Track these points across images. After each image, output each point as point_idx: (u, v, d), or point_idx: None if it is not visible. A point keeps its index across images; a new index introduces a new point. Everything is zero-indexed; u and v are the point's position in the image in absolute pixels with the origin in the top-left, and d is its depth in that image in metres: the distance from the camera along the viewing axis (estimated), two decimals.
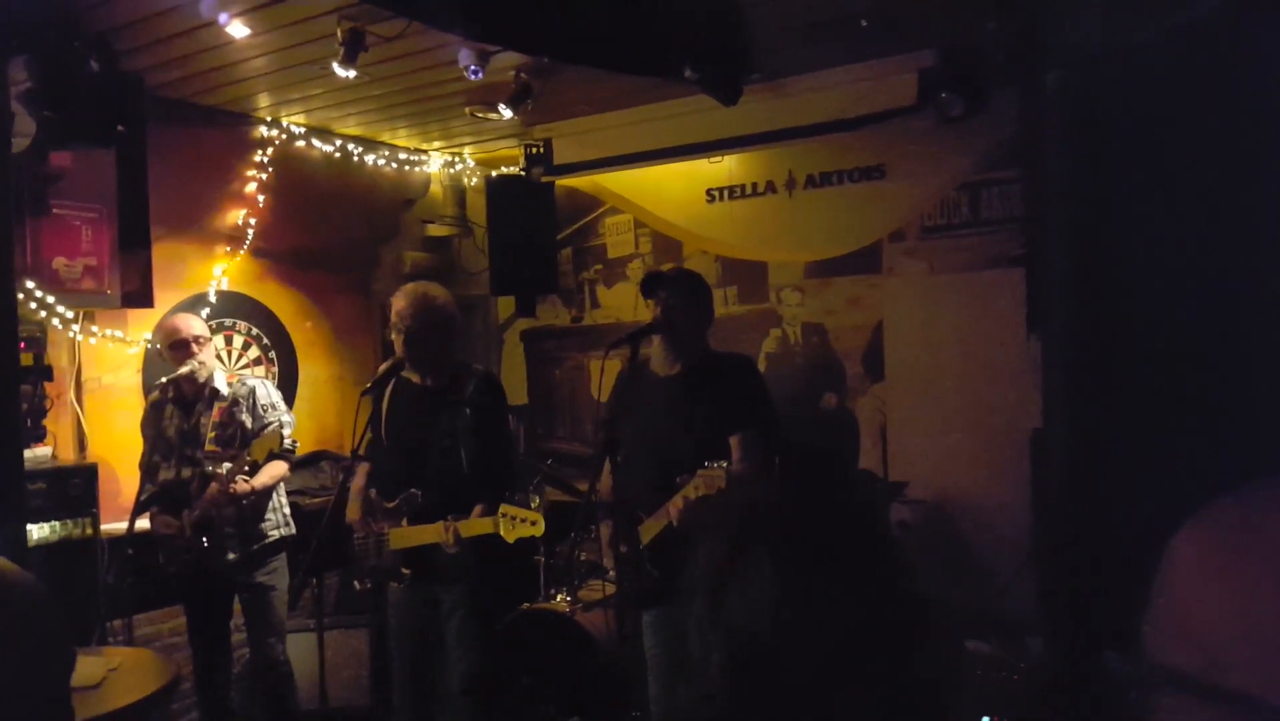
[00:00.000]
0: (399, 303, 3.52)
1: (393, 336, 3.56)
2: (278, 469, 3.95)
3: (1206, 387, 1.68)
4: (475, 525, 3.32)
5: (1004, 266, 4.35)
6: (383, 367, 3.56)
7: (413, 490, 3.46)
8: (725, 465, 2.79)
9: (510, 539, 3.26)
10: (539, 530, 3.24)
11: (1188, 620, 0.74)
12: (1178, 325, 1.72)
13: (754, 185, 5.17)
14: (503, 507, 3.28)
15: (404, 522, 3.48)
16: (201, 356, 3.88)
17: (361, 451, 3.31)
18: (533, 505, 4.00)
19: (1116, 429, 1.84)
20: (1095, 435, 1.91)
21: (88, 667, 2.75)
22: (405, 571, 3.51)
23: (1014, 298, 4.11)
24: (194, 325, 3.94)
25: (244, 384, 4.02)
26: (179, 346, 3.86)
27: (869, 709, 0.95)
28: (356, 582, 3.62)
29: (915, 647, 0.97)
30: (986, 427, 4.40)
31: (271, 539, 3.99)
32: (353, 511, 3.63)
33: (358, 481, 3.71)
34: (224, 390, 3.95)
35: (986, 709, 2.99)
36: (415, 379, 3.62)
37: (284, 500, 4.11)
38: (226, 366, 4.80)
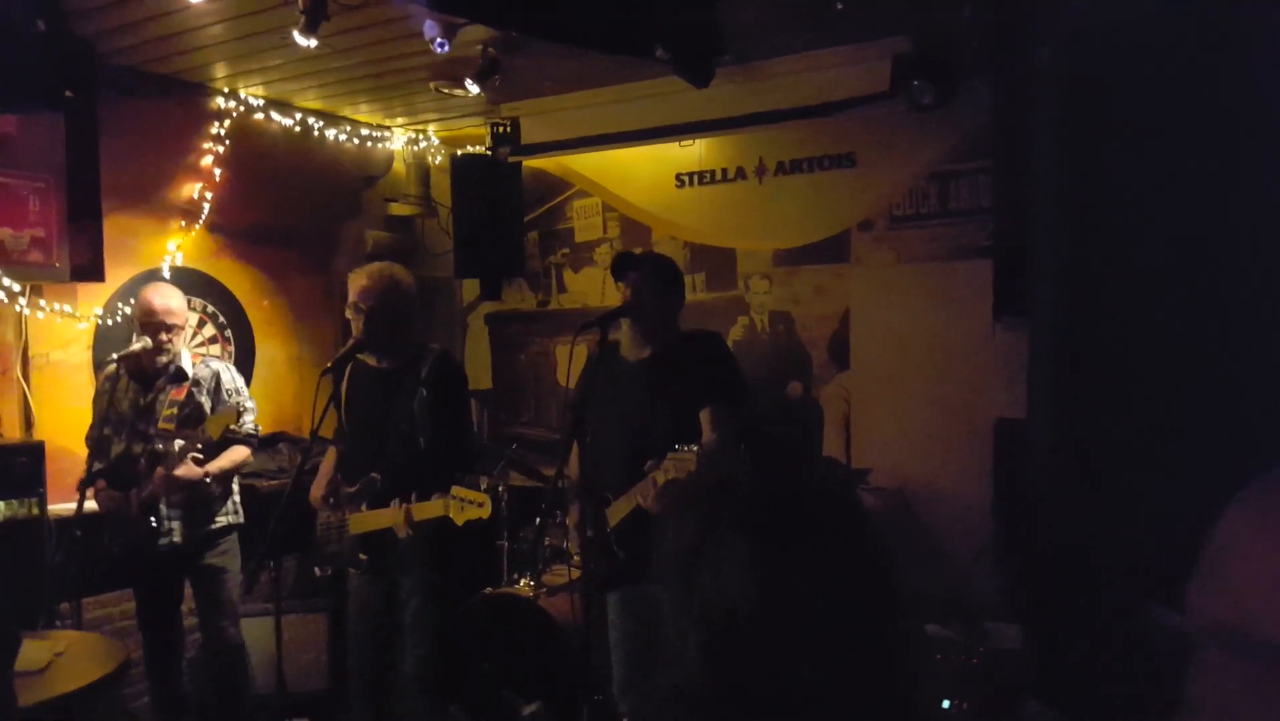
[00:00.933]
0: (359, 281, 3.45)
1: (350, 315, 3.49)
2: (239, 454, 3.86)
3: (1194, 377, 1.67)
4: (426, 508, 3.26)
5: (971, 257, 4.36)
6: (344, 349, 3.49)
7: (372, 475, 3.39)
8: (695, 448, 2.77)
9: (459, 521, 3.20)
10: (485, 512, 3.17)
11: (1228, 580, 0.75)
12: (1167, 313, 1.71)
13: (724, 171, 5.13)
14: (454, 489, 3.22)
15: (363, 508, 3.41)
16: (169, 343, 3.77)
17: (321, 432, 3.23)
18: (482, 487, 3.94)
19: (1100, 418, 1.83)
20: (1079, 425, 1.89)
21: (33, 651, 2.66)
22: (362, 557, 3.45)
23: (980, 288, 4.11)
24: (174, 312, 3.80)
25: (207, 366, 3.92)
26: (150, 328, 3.74)
27: (840, 692, 0.94)
28: (316, 569, 3.55)
29: (885, 631, 0.96)
30: (950, 416, 4.43)
31: (219, 525, 3.89)
32: (316, 489, 3.56)
33: (327, 463, 3.65)
34: (189, 371, 3.85)
35: (947, 692, 3.01)
36: (372, 361, 3.56)
37: (236, 488, 4.01)
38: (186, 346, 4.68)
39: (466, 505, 3.18)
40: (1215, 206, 1.67)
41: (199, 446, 3.62)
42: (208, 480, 3.74)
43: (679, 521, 1.18)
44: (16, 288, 3.93)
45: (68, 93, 3.38)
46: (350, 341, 3.47)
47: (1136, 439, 1.71)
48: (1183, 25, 1.66)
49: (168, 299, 3.81)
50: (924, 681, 1.17)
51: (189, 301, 4.75)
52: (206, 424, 3.61)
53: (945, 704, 3.03)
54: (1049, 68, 1.87)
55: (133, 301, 4.17)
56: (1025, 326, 3.05)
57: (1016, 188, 3.02)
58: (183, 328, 3.85)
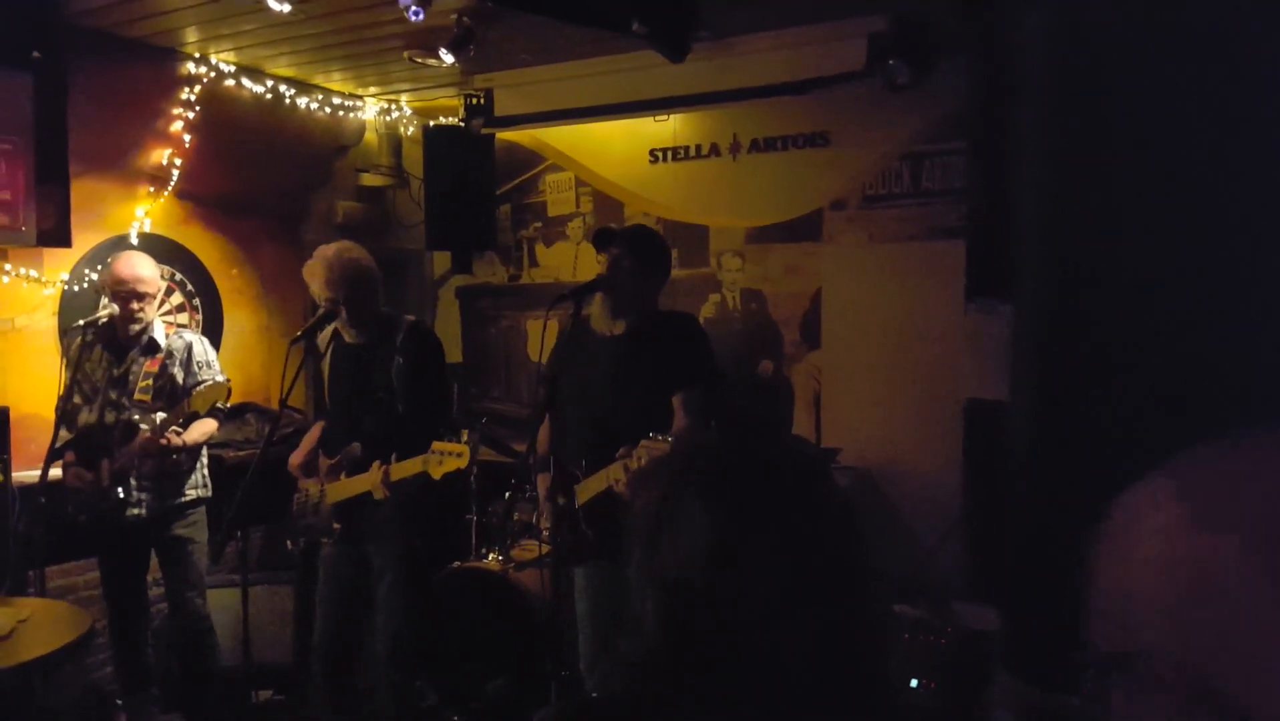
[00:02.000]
0: (321, 273, 3.42)
1: (315, 293, 3.49)
2: (208, 426, 3.84)
3: (1180, 364, 1.68)
4: (405, 467, 3.26)
5: (943, 238, 4.39)
6: (312, 319, 3.48)
7: (353, 444, 3.39)
8: (668, 438, 2.77)
9: (437, 475, 3.19)
10: (464, 461, 3.15)
11: (1123, 605, 0.68)
12: (1156, 298, 1.71)
13: (698, 147, 5.12)
14: (434, 444, 3.21)
15: (342, 477, 3.41)
16: (142, 312, 3.73)
17: (291, 403, 3.22)
18: (462, 439, 3.94)
19: (1083, 403, 1.84)
20: (1061, 408, 1.91)
21: None
22: (336, 526, 3.44)
23: (952, 269, 4.16)
24: (145, 280, 3.76)
25: (180, 337, 3.89)
26: (121, 296, 3.69)
27: (800, 662, 0.93)
28: (289, 542, 3.54)
29: (849, 600, 0.95)
30: (920, 397, 4.47)
31: (188, 498, 3.87)
32: (295, 456, 3.55)
33: (312, 435, 3.65)
34: (162, 341, 3.81)
35: (915, 671, 3.05)
36: (349, 336, 3.56)
37: (205, 460, 3.98)
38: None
39: (445, 457, 3.16)
40: (1209, 188, 1.67)
41: (180, 420, 3.60)
42: (180, 454, 3.71)
43: (644, 491, 1.17)
44: None
45: (35, 54, 3.30)
46: (319, 312, 3.46)
47: (1120, 424, 1.72)
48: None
49: (138, 267, 3.76)
50: (891, 656, 1.16)
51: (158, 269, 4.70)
52: (192, 398, 3.58)
53: (913, 683, 3.07)
54: (1037, 40, 1.86)
55: (100, 269, 4.11)
56: (998, 308, 3.08)
57: (991, 169, 3.04)
58: (154, 296, 3.81)
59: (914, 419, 4.49)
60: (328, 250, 3.49)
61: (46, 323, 4.31)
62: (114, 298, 3.71)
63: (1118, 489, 0.76)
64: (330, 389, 3.62)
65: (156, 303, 3.86)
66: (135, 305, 3.71)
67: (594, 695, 1.13)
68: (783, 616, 1.00)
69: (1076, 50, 1.81)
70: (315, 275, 3.45)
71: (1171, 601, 0.65)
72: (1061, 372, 1.92)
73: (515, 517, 4.33)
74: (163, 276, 4.69)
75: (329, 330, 3.60)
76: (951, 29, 3.79)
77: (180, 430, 3.66)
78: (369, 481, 3.30)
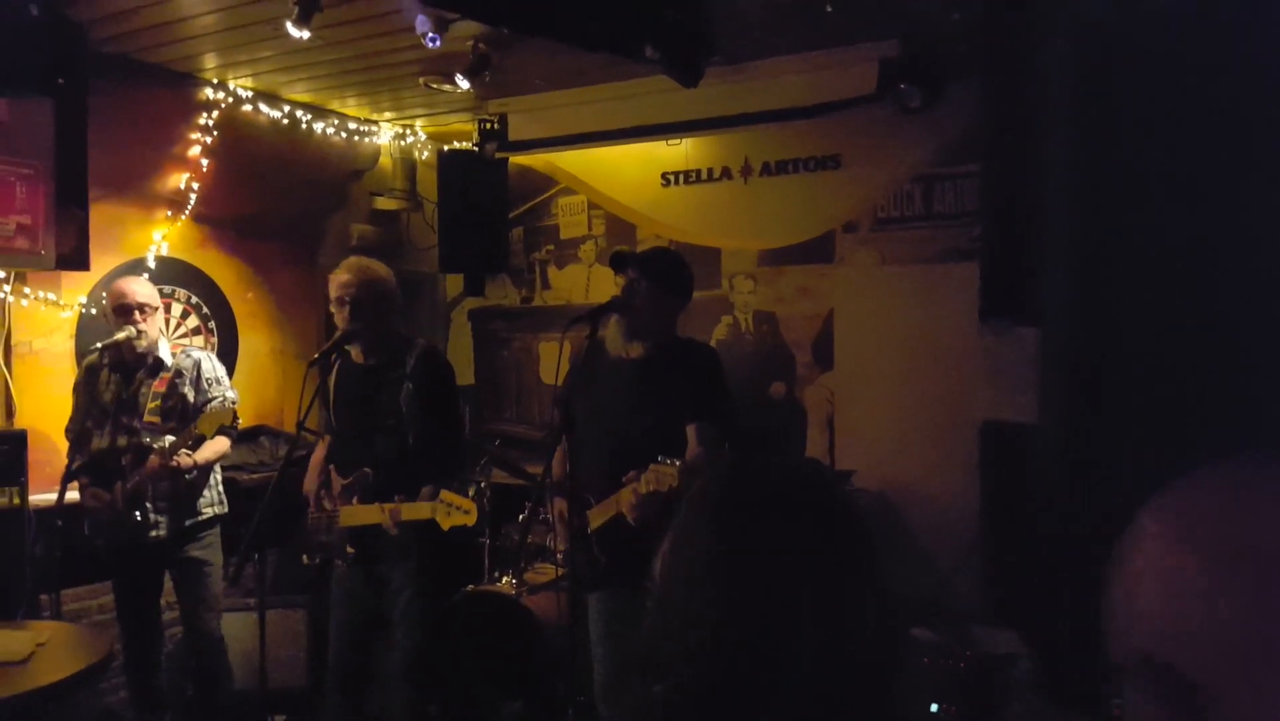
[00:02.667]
0: (339, 277, 3.45)
1: (334, 309, 3.48)
2: (220, 445, 3.84)
3: (1210, 382, 1.67)
4: (415, 509, 3.28)
5: (956, 259, 4.40)
6: (329, 342, 3.49)
7: (365, 469, 3.40)
8: (678, 462, 2.76)
9: (445, 526, 3.22)
10: (471, 519, 3.20)
11: (1142, 602, 0.72)
12: (1184, 318, 1.70)
13: (709, 170, 5.15)
14: (442, 494, 3.24)
15: (354, 501, 3.41)
16: (144, 325, 3.74)
17: (307, 424, 3.22)
18: (469, 493, 3.96)
19: (1114, 424, 1.83)
20: (1092, 430, 1.90)
21: (13, 642, 2.64)
22: (350, 550, 3.44)
23: (965, 290, 4.14)
24: (141, 292, 3.78)
25: (188, 355, 3.90)
26: (121, 311, 3.72)
27: (822, 690, 0.91)
28: (305, 557, 3.54)
29: (864, 618, 0.93)
30: (935, 418, 4.45)
31: (205, 516, 3.87)
32: (309, 482, 3.56)
33: (318, 454, 3.64)
34: (168, 360, 3.82)
35: (935, 695, 3.02)
36: (358, 356, 3.55)
37: (219, 477, 3.99)
38: (164, 335, 4.64)
39: (453, 510, 3.20)
40: (1235, 207, 1.67)
41: (189, 443, 3.61)
42: (191, 473, 3.72)
43: (661, 530, 1.14)
44: (1, 274, 3.89)
45: (60, 80, 3.34)
46: (336, 334, 3.46)
47: (1151, 445, 1.71)
48: (1197, 18, 1.66)
49: (135, 284, 3.82)
50: (909, 679, 1.14)
51: (174, 291, 4.74)
52: (199, 421, 3.59)
53: (934, 707, 3.04)
54: (1061, 64, 1.87)
55: (82, 302, 4.15)
56: (1014, 330, 3.07)
57: (1006, 190, 3.05)
58: (156, 309, 3.82)
59: (928, 441, 4.47)
60: (353, 260, 3.52)
61: (64, 346, 4.34)
62: (116, 315, 3.73)
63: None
64: (336, 407, 3.59)
65: (158, 319, 3.87)
66: (138, 317, 3.71)
67: None
68: (793, 631, 0.98)
69: (1103, 73, 1.81)
70: (335, 277, 3.47)
71: (1162, 613, 0.71)
72: (1092, 395, 1.91)
73: (529, 540, 4.33)
74: (179, 299, 4.75)
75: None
76: (963, 52, 3.81)
77: (190, 452, 3.67)
78: (379, 516, 3.31)
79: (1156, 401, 1.75)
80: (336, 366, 3.59)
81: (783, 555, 1.02)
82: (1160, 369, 1.75)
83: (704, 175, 5.17)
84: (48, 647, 2.75)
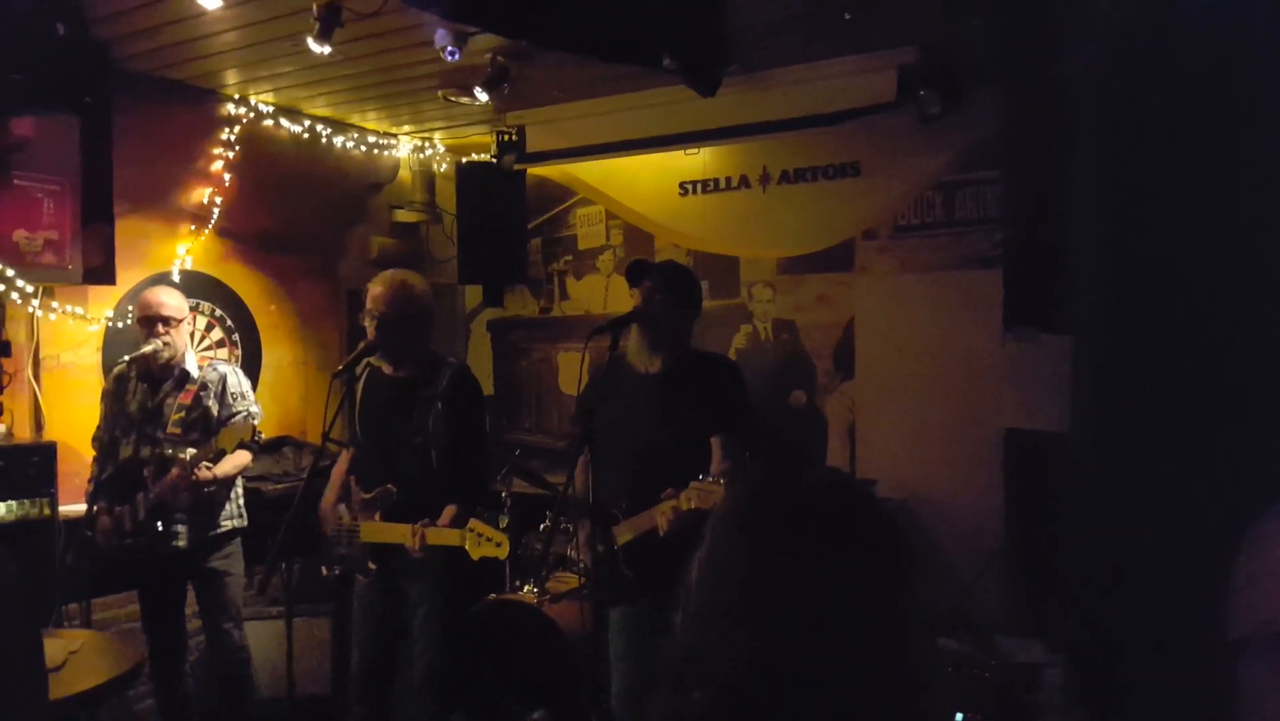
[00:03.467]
0: (375, 289, 3.44)
1: (366, 322, 3.48)
2: (241, 459, 3.85)
3: (1245, 392, 1.65)
4: (442, 535, 3.26)
5: (977, 267, 4.39)
6: (354, 353, 3.50)
7: (388, 485, 3.40)
8: (721, 481, 2.77)
9: (475, 556, 3.21)
10: (503, 553, 3.18)
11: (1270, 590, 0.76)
12: (1217, 326, 1.69)
13: (727, 179, 5.16)
14: (471, 522, 3.23)
15: (377, 517, 3.42)
16: (168, 337, 3.77)
17: (333, 435, 3.24)
18: (500, 525, 3.96)
19: (1147, 433, 1.81)
20: (1125, 439, 1.88)
21: (48, 649, 2.66)
22: (372, 566, 3.45)
23: (987, 298, 4.14)
24: (168, 305, 3.81)
25: (214, 369, 3.92)
26: (146, 322, 3.76)
27: (853, 704, 0.90)
28: (324, 568, 3.56)
29: (898, 635, 0.93)
30: (957, 427, 4.44)
31: (224, 529, 3.90)
32: (327, 498, 3.56)
33: (339, 467, 3.64)
34: (195, 373, 3.86)
35: (960, 706, 3.01)
36: (387, 369, 3.55)
37: (240, 491, 4.02)
38: (191, 347, 4.69)
39: (483, 541, 3.18)
40: (1272, 216, 1.66)
41: (210, 456, 3.64)
42: (211, 487, 3.75)
43: (688, 545, 1.14)
44: (30, 289, 3.94)
45: (87, 99, 3.39)
46: (361, 345, 3.47)
47: (1187, 453, 1.70)
48: (1230, 26, 1.65)
49: (163, 295, 3.84)
50: (934, 690, 1.12)
51: (198, 304, 4.79)
52: (219, 436, 3.61)
53: (959, 717, 3.03)
54: (1090, 71, 1.86)
55: (109, 315, 4.19)
56: (1037, 337, 3.06)
57: (1029, 197, 3.04)
58: (181, 321, 3.85)
59: (951, 449, 4.45)
60: (389, 274, 3.50)
61: (91, 359, 4.39)
62: (142, 325, 3.77)
63: (1187, 518, 0.83)
64: (362, 420, 3.58)
65: (185, 331, 3.89)
66: (162, 329, 3.74)
67: None
68: (842, 662, 0.98)
69: (1133, 80, 1.81)
70: (374, 286, 3.46)
71: None
72: (1125, 405, 1.90)
73: (551, 550, 4.34)
74: (203, 312, 4.79)
75: (365, 360, 3.57)
76: (983, 58, 3.81)
77: (210, 465, 3.70)
78: (404, 536, 3.30)
79: (1190, 411, 1.74)
80: (365, 377, 3.58)
81: (819, 568, 1.02)
82: (1194, 378, 1.74)
83: (722, 184, 5.18)
84: (80, 655, 2.79)
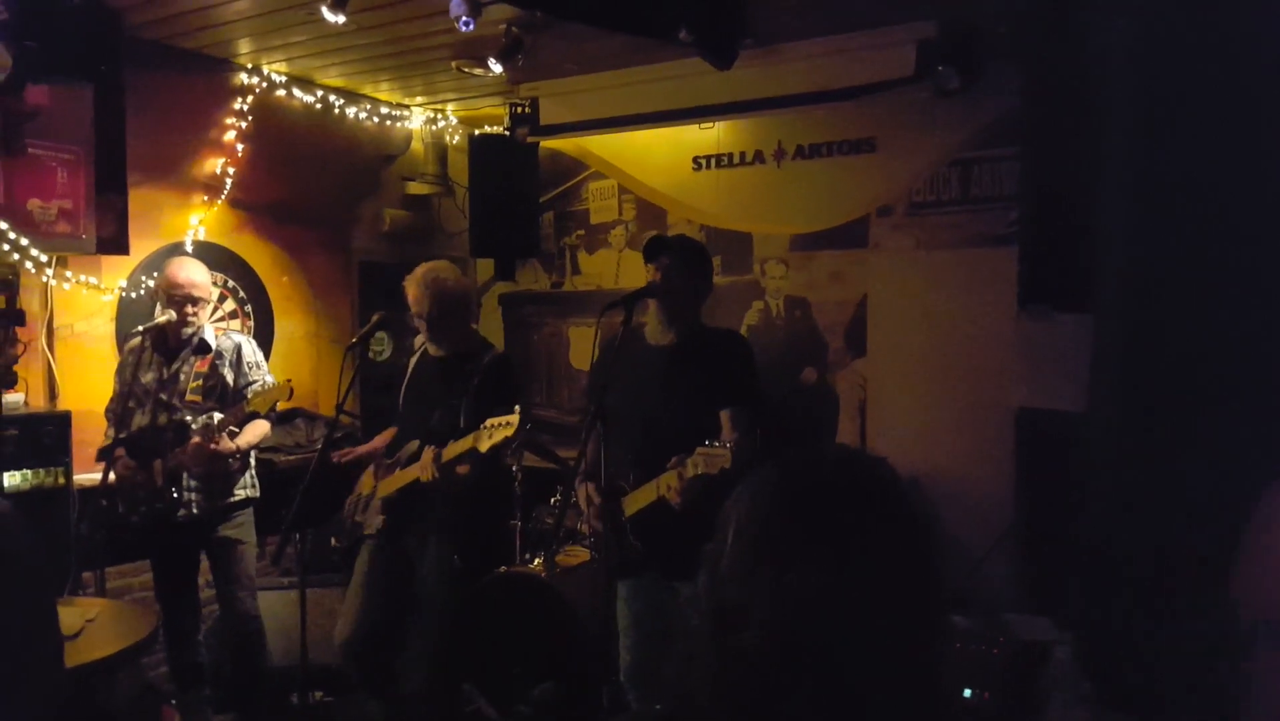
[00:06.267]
0: (411, 290, 3.59)
1: (416, 324, 3.65)
2: (261, 429, 3.90)
3: (1266, 372, 1.64)
4: (456, 446, 3.31)
5: (993, 244, 4.36)
6: (366, 327, 3.56)
7: (411, 442, 3.46)
8: (728, 444, 2.77)
9: (485, 447, 3.22)
10: (511, 430, 3.18)
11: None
12: (1240, 306, 1.68)
13: (742, 154, 5.13)
14: (487, 421, 3.23)
15: (396, 472, 3.47)
16: (196, 316, 3.81)
17: (347, 407, 3.27)
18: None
19: (1167, 412, 1.80)
20: (1148, 418, 1.87)
21: (64, 617, 2.68)
22: (381, 519, 3.48)
23: (1002, 276, 4.11)
24: (199, 286, 3.85)
25: (229, 339, 3.96)
26: (176, 301, 3.78)
27: (873, 683, 0.93)
28: (334, 538, 3.59)
29: (921, 623, 0.94)
30: (969, 405, 4.43)
31: (238, 497, 3.93)
32: (366, 480, 3.69)
33: (384, 437, 3.77)
34: (213, 343, 3.88)
35: (968, 682, 3.03)
36: (434, 350, 3.70)
37: (252, 461, 4.04)
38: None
39: (495, 430, 3.18)
40: None
41: (237, 420, 3.67)
42: (235, 457, 3.78)
43: (699, 518, 1.16)
44: (44, 258, 3.95)
45: (102, 67, 3.38)
46: (374, 318, 3.53)
47: (1208, 433, 1.69)
48: (1263, 8, 1.63)
49: (192, 273, 3.85)
50: (945, 670, 1.15)
51: (211, 276, 4.79)
52: (252, 398, 3.65)
53: (966, 693, 3.04)
54: (1118, 49, 1.83)
55: (156, 275, 4.19)
56: (1052, 315, 3.04)
57: (1047, 175, 3.01)
58: (208, 301, 3.89)
59: (962, 427, 4.45)
60: (421, 272, 3.62)
61: (105, 328, 4.40)
62: (169, 302, 3.78)
63: (1209, 497, 0.82)
64: (406, 395, 3.74)
65: (209, 309, 3.93)
66: (190, 309, 3.78)
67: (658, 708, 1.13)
68: (862, 640, 0.99)
69: (1162, 59, 1.78)
70: (409, 289, 3.61)
71: None
72: (1145, 385, 1.89)
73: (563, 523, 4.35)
74: (216, 283, 4.80)
75: (418, 342, 3.78)
76: (1002, 34, 3.76)
77: (236, 430, 3.72)
78: (420, 468, 3.34)
79: (1213, 392, 1.73)
80: (417, 357, 3.76)
81: (857, 523, 1.03)
82: (1216, 360, 1.73)
83: (736, 159, 5.14)
84: (96, 623, 2.81)
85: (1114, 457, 2.05)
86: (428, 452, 3.33)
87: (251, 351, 3.98)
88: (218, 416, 3.65)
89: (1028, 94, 3.59)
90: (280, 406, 4.12)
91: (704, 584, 1.11)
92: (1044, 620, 3.17)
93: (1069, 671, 2.58)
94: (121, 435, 3.78)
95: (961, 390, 4.46)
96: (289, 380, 3.78)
